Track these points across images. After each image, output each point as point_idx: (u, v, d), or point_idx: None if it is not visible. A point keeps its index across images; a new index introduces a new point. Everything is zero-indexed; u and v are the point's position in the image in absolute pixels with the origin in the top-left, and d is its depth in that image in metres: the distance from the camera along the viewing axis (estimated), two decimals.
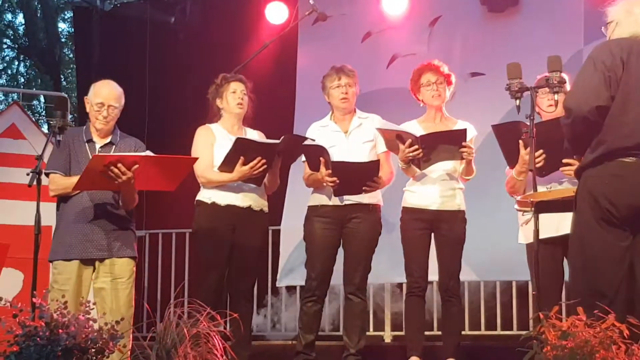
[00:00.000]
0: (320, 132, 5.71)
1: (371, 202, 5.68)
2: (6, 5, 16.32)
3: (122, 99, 5.28)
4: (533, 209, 4.47)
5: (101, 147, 5.21)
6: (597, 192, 3.77)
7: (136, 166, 4.87)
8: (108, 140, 5.24)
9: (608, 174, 3.76)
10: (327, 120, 5.82)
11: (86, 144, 5.20)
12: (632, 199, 3.70)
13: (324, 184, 5.54)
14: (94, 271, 5.11)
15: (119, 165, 4.84)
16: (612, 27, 4.03)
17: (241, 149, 5.42)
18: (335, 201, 5.63)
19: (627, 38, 3.94)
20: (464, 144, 5.42)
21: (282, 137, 5.54)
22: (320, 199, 5.68)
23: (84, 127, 5.28)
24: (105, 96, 5.20)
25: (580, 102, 3.87)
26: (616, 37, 4.01)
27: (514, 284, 7.11)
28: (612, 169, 3.75)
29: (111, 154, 5.07)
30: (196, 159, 5.39)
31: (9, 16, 16.79)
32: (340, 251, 5.74)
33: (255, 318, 6.63)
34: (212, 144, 5.63)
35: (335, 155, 5.50)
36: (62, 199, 5.15)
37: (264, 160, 5.44)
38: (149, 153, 5.09)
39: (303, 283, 5.91)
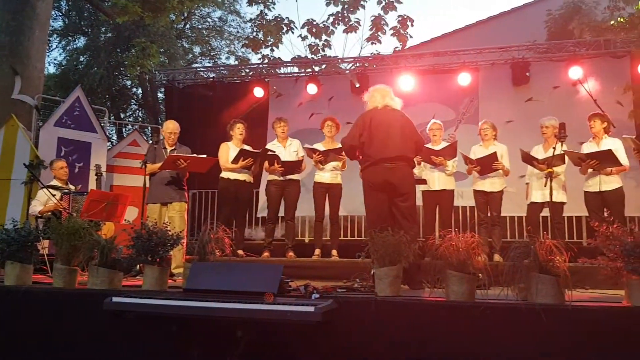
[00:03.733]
0: (272, 146, 5.67)
1: (295, 178, 5.70)
2: (133, 82, 15.75)
3: (179, 128, 5.14)
4: None
5: (170, 150, 5.08)
6: (369, 178, 3.87)
7: (189, 160, 4.81)
8: (173, 147, 5.12)
9: (372, 171, 3.84)
10: (275, 142, 5.79)
11: (163, 149, 5.08)
12: (380, 180, 3.79)
13: (276, 171, 5.56)
14: (166, 208, 5.00)
15: (181, 159, 4.78)
16: (366, 104, 4.05)
17: (241, 154, 5.39)
18: (279, 177, 5.62)
19: (371, 109, 3.94)
20: (342, 154, 5.45)
21: (260, 149, 5.53)
22: (273, 176, 5.65)
23: (161, 141, 5.13)
24: (171, 128, 5.10)
25: (346, 141, 4.01)
26: (367, 109, 3.99)
27: (362, 218, 7.15)
28: (373, 168, 3.84)
29: (175, 154, 4.96)
30: (216, 158, 5.28)
31: (134, 89, 16.36)
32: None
33: (246, 231, 6.62)
34: (227, 151, 5.55)
35: (281, 157, 5.52)
36: (152, 174, 5.03)
37: (252, 159, 5.42)
38: (194, 155, 5.01)
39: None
